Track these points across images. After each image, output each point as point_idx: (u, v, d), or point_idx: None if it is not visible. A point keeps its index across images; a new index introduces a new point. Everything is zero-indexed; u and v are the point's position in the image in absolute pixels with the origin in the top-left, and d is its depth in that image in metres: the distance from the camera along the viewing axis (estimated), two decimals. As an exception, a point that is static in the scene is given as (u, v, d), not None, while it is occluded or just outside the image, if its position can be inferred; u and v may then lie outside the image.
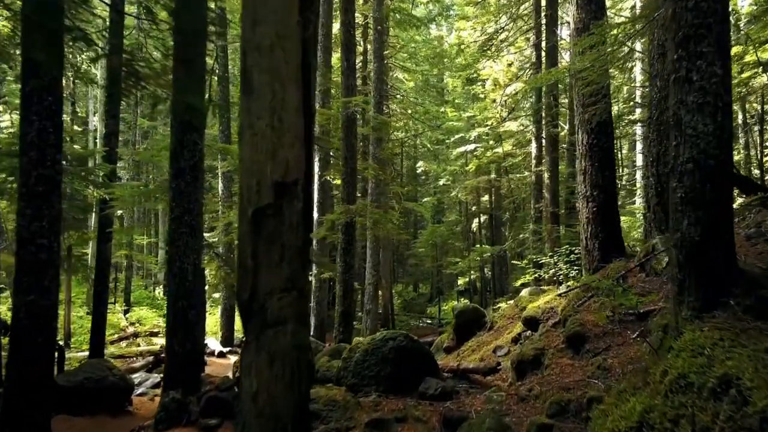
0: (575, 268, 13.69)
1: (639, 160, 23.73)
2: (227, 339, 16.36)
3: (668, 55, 7.93)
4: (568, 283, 7.72)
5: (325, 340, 14.56)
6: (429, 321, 29.85)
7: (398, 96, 22.64)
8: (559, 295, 7.46)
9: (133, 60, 6.01)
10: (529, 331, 7.16)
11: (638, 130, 23.67)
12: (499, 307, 9.99)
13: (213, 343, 16.28)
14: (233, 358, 14.63)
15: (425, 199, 31.65)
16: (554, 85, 16.47)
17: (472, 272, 26.04)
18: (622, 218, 22.10)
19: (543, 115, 16.83)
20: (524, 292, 11.70)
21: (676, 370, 3.15)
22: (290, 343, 2.03)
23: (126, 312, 21.06)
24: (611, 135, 7.93)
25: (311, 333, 17.40)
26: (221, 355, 15.58)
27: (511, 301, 11.48)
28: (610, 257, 7.52)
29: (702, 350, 3.15)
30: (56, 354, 6.91)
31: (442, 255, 31.29)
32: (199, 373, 7.08)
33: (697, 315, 3.67)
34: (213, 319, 17.85)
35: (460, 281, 29.43)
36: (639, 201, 22.69)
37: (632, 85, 22.48)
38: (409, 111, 24.88)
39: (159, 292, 29.36)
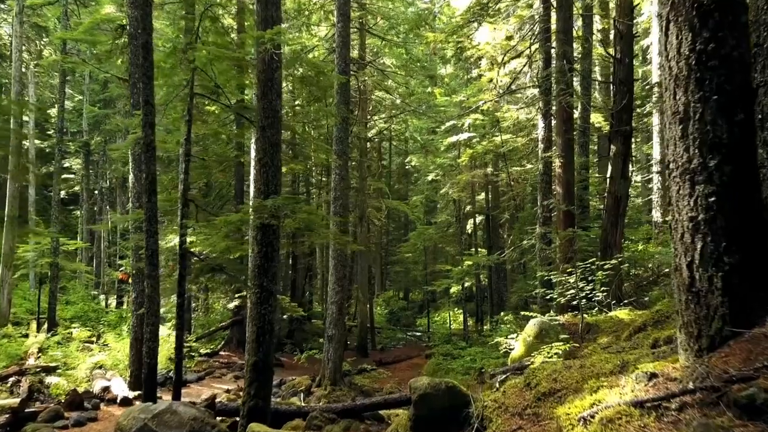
0: (602, 289, 9.30)
1: (656, 152, 19.19)
2: (137, 378, 11.87)
3: None
4: (647, 368, 3.22)
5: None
6: (418, 334, 25.89)
7: (373, 65, 18.14)
8: (637, 405, 2.97)
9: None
10: None
11: (654, 118, 19.19)
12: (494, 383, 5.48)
13: (117, 384, 11.81)
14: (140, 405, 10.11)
15: (413, 198, 27.19)
16: (568, 40, 11.91)
17: (466, 279, 21.59)
18: (637, 235, 16.93)
19: (553, 83, 12.30)
20: (528, 332, 7.28)
21: None
22: None
23: (52, 332, 16.71)
24: (744, 32, 3.40)
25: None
26: (125, 402, 11.10)
27: (514, 355, 6.96)
28: (757, 310, 3.02)
29: None
30: None
31: (433, 260, 27.12)
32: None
33: None
34: (123, 353, 13.34)
35: (453, 289, 25.24)
36: (656, 214, 17.93)
37: (647, 60, 17.91)
38: (396, 96, 20.42)
39: (112, 302, 25.14)
